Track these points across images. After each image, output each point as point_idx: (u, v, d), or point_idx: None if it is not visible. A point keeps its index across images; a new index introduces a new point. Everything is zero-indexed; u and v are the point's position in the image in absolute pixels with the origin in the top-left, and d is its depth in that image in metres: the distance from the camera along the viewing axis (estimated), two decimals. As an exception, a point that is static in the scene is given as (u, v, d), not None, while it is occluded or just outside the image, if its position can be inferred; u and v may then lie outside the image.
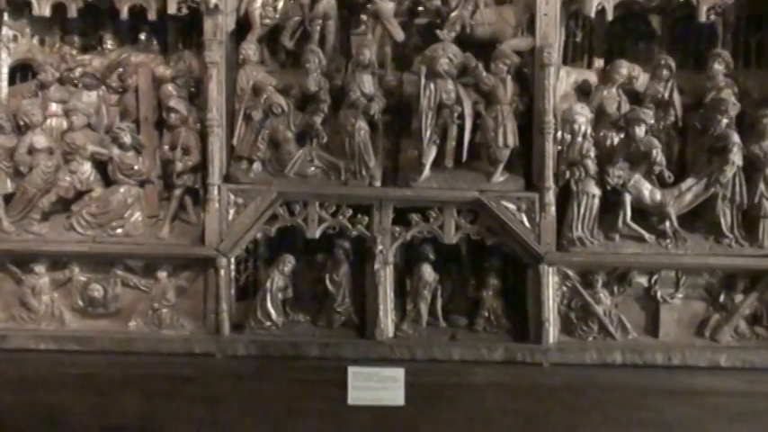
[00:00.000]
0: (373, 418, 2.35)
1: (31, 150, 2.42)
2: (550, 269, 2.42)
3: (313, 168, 2.41)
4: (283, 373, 2.40)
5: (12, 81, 2.54)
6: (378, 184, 2.41)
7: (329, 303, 2.51)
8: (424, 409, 2.36)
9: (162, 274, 2.49)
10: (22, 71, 2.57)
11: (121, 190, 2.46)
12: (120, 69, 2.46)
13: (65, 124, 2.45)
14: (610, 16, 2.35)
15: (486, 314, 2.49)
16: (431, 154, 2.37)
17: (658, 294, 2.43)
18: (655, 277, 2.43)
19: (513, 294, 2.54)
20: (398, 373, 2.37)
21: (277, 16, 2.41)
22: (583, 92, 2.42)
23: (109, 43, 2.51)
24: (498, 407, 2.36)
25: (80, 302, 2.47)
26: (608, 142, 2.39)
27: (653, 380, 2.34)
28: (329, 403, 2.35)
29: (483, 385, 2.37)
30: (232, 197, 2.41)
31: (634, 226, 2.40)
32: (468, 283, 2.55)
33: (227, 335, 2.46)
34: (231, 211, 2.44)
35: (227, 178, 2.43)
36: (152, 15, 2.39)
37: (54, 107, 2.47)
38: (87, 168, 2.45)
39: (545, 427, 2.35)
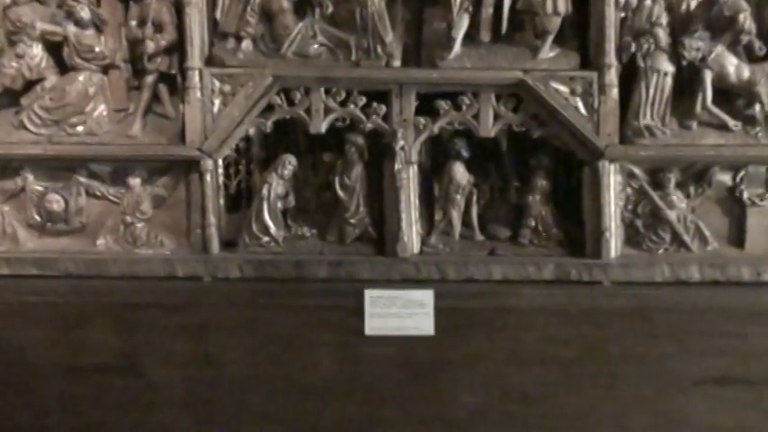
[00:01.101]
0: (396, 351, 2.40)
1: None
2: (612, 166, 2.42)
3: (316, 46, 2.40)
4: (285, 300, 2.43)
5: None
6: (397, 64, 2.40)
7: (340, 213, 2.53)
8: (458, 339, 2.41)
9: (134, 181, 2.51)
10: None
11: (81, 78, 2.43)
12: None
13: (6, -3, 2.37)
14: None
15: (533, 223, 2.51)
16: (462, 25, 2.36)
17: (744, 195, 2.43)
18: (740, 174, 2.42)
19: (565, 199, 2.55)
20: (426, 296, 2.40)
21: None
22: (650, -57, 2.35)
23: None
24: (548, 336, 2.39)
25: (36, 217, 2.49)
26: (683, 6, 2.36)
27: (738, 300, 2.36)
28: (342, 334, 2.41)
29: (529, 310, 2.40)
30: (217, 84, 2.41)
31: (716, 111, 2.38)
32: (509, 185, 2.57)
33: (216, 254, 2.48)
34: (216, 102, 2.45)
35: (210, 61, 2.42)
36: None
37: (-11, -24, 2.38)
38: (38, 52, 2.42)
39: (605, 358, 2.38)
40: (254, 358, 2.42)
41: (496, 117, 2.41)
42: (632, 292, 2.39)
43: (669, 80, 2.33)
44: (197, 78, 2.38)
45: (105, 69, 2.45)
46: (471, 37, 2.36)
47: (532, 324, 2.39)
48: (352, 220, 2.52)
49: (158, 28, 2.40)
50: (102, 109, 2.43)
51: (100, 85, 2.42)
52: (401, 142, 2.40)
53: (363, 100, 2.41)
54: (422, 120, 2.41)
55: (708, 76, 2.33)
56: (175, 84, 2.43)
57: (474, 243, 2.53)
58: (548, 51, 2.35)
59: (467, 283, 2.46)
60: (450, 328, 2.40)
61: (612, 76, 2.34)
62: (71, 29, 2.39)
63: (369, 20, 2.33)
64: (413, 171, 2.45)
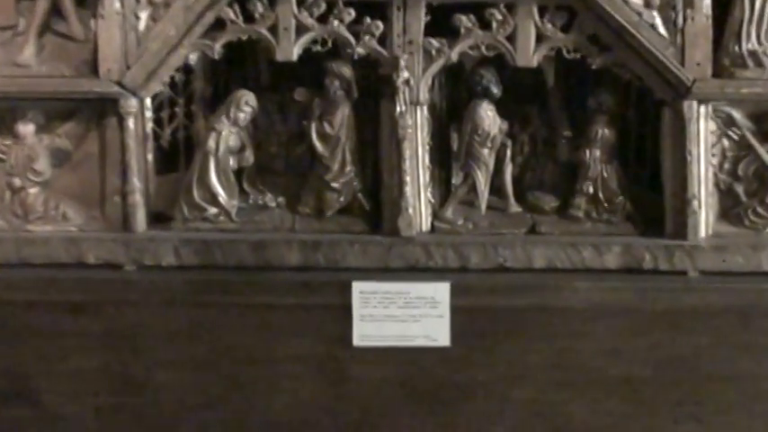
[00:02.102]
0: (396, 371, 2.37)
1: None
2: (702, 109, 2.36)
3: (285, -65, 2.36)
4: (240, 297, 2.37)
5: None
6: (399, -40, 2.34)
7: (318, 175, 2.47)
8: (484, 352, 2.36)
9: (25, 129, 2.43)
10: None
11: (-54, -18, 2.39)
12: None
13: None
14: None
15: (591, 189, 2.44)
16: None
17: None
18: None
19: (637, 155, 2.53)
20: (440, 291, 2.34)
21: None
22: None
23: None
24: (611, 347, 2.35)
25: None
26: None
27: None
28: (320, 346, 2.36)
29: (584, 311, 2.34)
30: (143, -9, 2.36)
31: None
32: (558, 136, 2.52)
33: (142, 232, 2.42)
34: (143, 16, 2.38)
35: (133, -45, 2.38)
36: None
37: None
38: None
39: (690, 379, 2.36)
40: (197, 380, 2.39)
41: (540, 38, 2.35)
42: (729, 286, 2.35)
43: (784, -11, 2.32)
44: (115, -19, 2.35)
45: (-18, -31, 2.42)
46: (504, -76, 2.34)
47: (589, 331, 2.34)
48: (336, 185, 2.45)
49: None
50: (-23, 26, 2.39)
51: (-25, -9, 2.39)
52: (405, 74, 2.34)
53: (352, 14, 2.36)
54: (434, 42, 2.36)
55: (836, -16, 2.31)
56: (84, -8, 2.38)
57: (507, 217, 2.47)
58: (613, -55, 2.32)
59: (496, 272, 2.39)
60: (474, 336, 2.36)
61: (703, -17, 2.32)
62: None
63: None
64: (421, 116, 2.40)
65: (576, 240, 2.42)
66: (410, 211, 2.41)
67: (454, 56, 2.38)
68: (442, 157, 2.50)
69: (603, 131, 2.45)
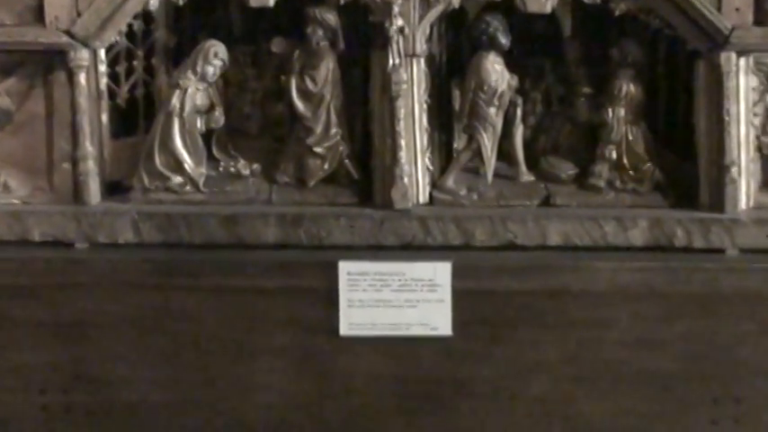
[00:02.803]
0: (390, 364, 2.37)
1: None
2: (742, 61, 2.35)
3: None
4: (209, 280, 2.37)
5: None
6: None
7: (299, 138, 2.46)
8: (491, 342, 2.36)
9: None
10: None
11: None
12: None
13: None
14: None
15: (614, 155, 2.44)
16: None
17: None
18: None
19: (667, 115, 2.52)
20: (440, 272, 2.34)
21: None
22: None
23: None
24: (637, 337, 2.34)
25: None
26: None
27: None
28: (302, 336, 2.36)
29: (607, 295, 2.33)
30: None
31: None
32: (576, 94, 2.52)
33: (95, 204, 2.43)
34: None
35: None
36: None
37: None
38: None
39: (728, 374, 2.36)
40: (160, 376, 2.39)
41: (555, -21, 2.32)
42: (773, 264, 2.32)
43: None
44: None
45: None
46: None
47: (612, 318, 2.34)
48: (319, 150, 2.45)
49: None
50: None
51: None
52: (399, 22, 2.33)
53: (337, -50, 2.33)
54: (433, -16, 2.32)
55: None
56: None
57: (518, 186, 2.47)
58: None
59: (505, 251, 2.39)
60: (479, 324, 2.35)
61: None
62: None
63: None
64: (418, 69, 2.39)
65: (597, 213, 2.40)
66: (405, 180, 2.40)
67: (455, 0, 2.37)
68: (443, 118, 2.49)
69: (629, 87, 2.44)
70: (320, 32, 2.42)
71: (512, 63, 2.44)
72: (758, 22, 2.36)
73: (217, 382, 2.41)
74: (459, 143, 2.50)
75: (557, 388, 2.38)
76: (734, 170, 2.39)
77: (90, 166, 2.43)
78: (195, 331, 2.38)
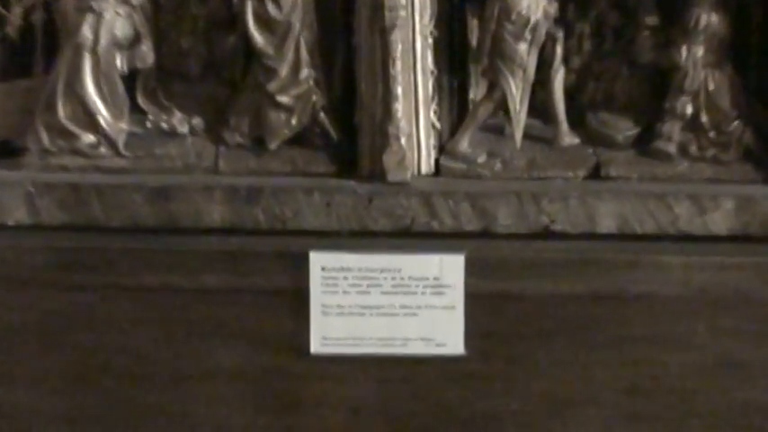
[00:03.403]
0: (378, 397, 2.27)
1: None
2: None
3: None
4: (131, 277, 2.25)
5: None
6: None
7: (256, 83, 2.35)
8: (518, 365, 2.24)
9: None
10: None
11: None
12: None
13: None
14: None
15: (689, 110, 2.32)
16: None
17: None
18: None
19: (761, 58, 2.39)
20: (449, 268, 2.21)
21: None
22: None
23: None
24: (720, 357, 2.20)
25: None
26: None
27: None
28: (258, 355, 2.25)
29: (678, 298, 2.19)
30: None
31: None
32: (637, 26, 2.38)
33: None
34: None
35: None
36: None
37: None
38: None
39: None
40: (64, 406, 2.29)
41: None
42: None
43: None
44: None
45: None
46: None
47: (685, 333, 2.22)
48: (284, 99, 2.33)
49: None
50: None
51: None
52: None
53: None
54: None
55: None
56: None
57: (557, 152, 2.33)
58: None
59: (538, 240, 2.27)
60: (502, 340, 2.24)
61: None
62: None
63: None
64: None
65: (666, 190, 2.29)
66: (402, 141, 2.29)
67: None
68: (454, 58, 2.39)
69: (709, 18, 2.33)
70: (286, -60, 2.35)
71: (548, -9, 2.36)
72: None
73: (142, 417, 2.30)
74: (476, 92, 2.39)
75: (607, 427, 2.26)
76: None
77: (-31, 120, 2.36)
78: (113, 346, 2.27)
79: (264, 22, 2.32)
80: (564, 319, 2.22)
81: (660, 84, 2.38)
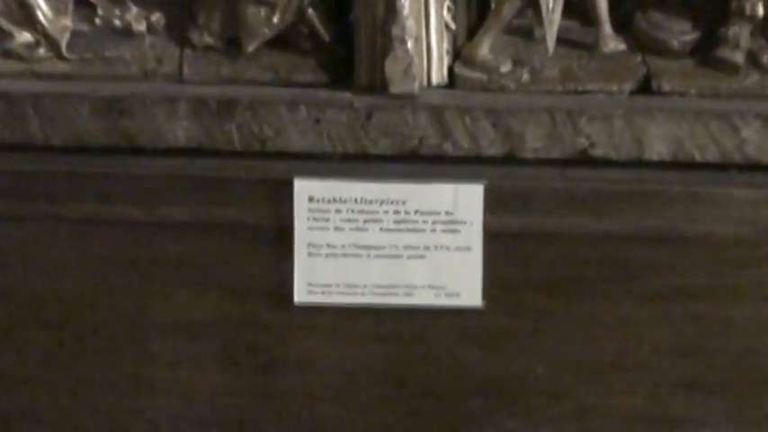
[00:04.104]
0: (376, 358, 2.12)
1: None
2: None
3: None
4: (76, 206, 2.07)
5: None
6: None
7: None
8: (547, 320, 2.07)
9: None
10: None
11: None
12: None
13: None
14: None
15: (760, 10, 2.10)
16: None
17: None
18: None
19: None
20: (466, 201, 2.04)
21: None
22: None
23: None
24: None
25: None
26: None
27: None
28: (230, 305, 2.08)
29: (744, 240, 2.02)
30: None
31: None
32: None
33: None
34: None
35: None
36: None
37: None
38: None
39: None
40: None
41: None
42: None
43: None
44: None
45: None
46: None
47: (753, 284, 2.04)
48: None
49: None
50: None
51: None
52: None
53: None
54: None
55: None
56: None
57: (598, 60, 2.12)
58: None
59: (576, 167, 2.05)
60: (530, 290, 2.07)
61: None
62: None
63: None
64: None
65: (731, 108, 2.05)
66: (409, 45, 2.08)
67: None
68: None
69: None
70: None
71: None
72: None
73: (85, 379, 2.12)
74: (495, -11, 2.32)
75: (655, 395, 2.07)
76: None
77: None
78: (50, 292, 2.09)
79: None
80: (604, 264, 2.01)
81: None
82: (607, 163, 2.01)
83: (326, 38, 2.10)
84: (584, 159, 2.01)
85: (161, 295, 2.03)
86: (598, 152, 2.01)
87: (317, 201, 1.98)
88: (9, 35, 2.08)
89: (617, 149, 2.02)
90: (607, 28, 2.11)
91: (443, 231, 1.99)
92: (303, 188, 1.97)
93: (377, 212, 1.99)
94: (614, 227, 1.99)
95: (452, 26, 2.08)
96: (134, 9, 2.14)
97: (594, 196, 1.99)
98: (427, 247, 1.99)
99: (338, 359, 2.03)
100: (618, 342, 2.01)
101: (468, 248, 1.98)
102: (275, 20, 2.09)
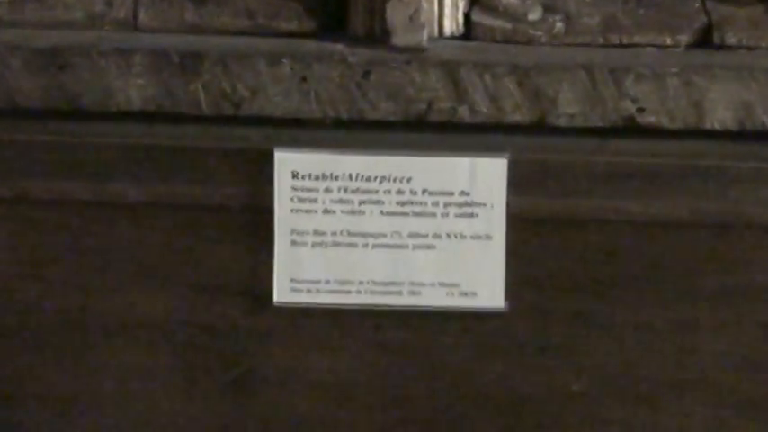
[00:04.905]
0: (373, 372, 1.95)
1: None
2: None
3: None
4: (12, 181, 1.90)
5: None
6: None
7: None
8: (585, 325, 1.88)
9: None
10: None
11: None
12: None
13: None
14: None
15: None
16: None
17: None
18: None
19: None
20: (485, 178, 1.86)
21: None
22: None
23: None
24: None
25: None
26: None
27: None
28: (197, 304, 1.89)
29: None
30: None
31: None
32: None
33: None
34: None
35: None
36: None
37: None
38: None
39: None
40: None
41: None
42: None
43: None
44: None
45: None
46: None
47: None
48: None
49: None
50: None
51: None
52: None
53: None
54: None
55: None
56: None
57: (646, 7, 2.02)
58: None
59: (621, 137, 1.87)
60: (563, 288, 1.86)
61: None
62: None
63: None
64: None
65: None
66: None
67: None
68: None
69: None
70: None
71: None
72: None
73: (20, 393, 1.92)
74: None
75: (718, 421, 1.86)
76: None
77: None
78: None
79: None
80: (655, 256, 1.80)
81: None
82: (658, 133, 1.81)
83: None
84: (629, 128, 1.82)
85: (108, 292, 1.81)
86: (647, 119, 1.81)
87: (303, 177, 1.78)
88: (-71, -29, 1.93)
89: (671, 116, 1.81)
90: (660, -35, 2.00)
91: (457, 216, 1.78)
92: (285, 161, 1.78)
93: (376, 192, 1.78)
94: (666, 211, 1.77)
95: (466, -35, 1.99)
96: (83, -60, 2.03)
97: (642, 174, 1.78)
98: (437, 235, 1.78)
99: (327, 373, 1.82)
100: (671, 353, 1.80)
101: (488, 237, 1.77)
102: (253, -45, 1.99)
